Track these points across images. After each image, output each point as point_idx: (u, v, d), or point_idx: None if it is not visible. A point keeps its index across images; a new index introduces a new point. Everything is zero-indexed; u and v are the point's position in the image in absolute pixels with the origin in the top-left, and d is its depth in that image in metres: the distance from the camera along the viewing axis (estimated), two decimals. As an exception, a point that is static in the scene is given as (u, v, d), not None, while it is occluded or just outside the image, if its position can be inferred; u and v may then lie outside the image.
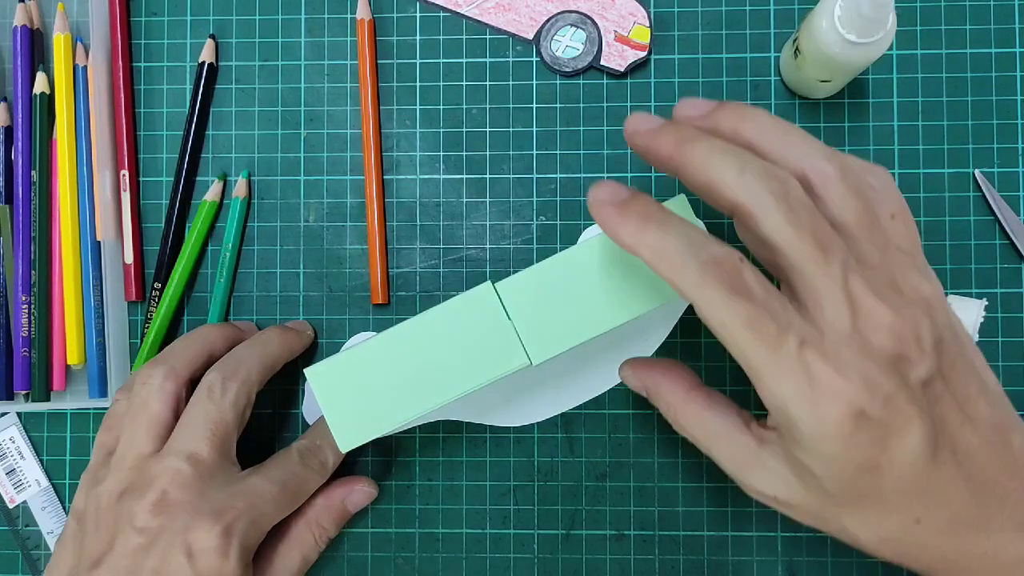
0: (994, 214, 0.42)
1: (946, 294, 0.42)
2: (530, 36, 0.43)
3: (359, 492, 0.41)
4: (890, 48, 0.43)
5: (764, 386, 0.29)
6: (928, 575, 0.31)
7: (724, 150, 0.29)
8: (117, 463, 0.36)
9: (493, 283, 0.35)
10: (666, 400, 0.35)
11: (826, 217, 0.29)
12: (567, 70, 0.43)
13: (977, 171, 0.43)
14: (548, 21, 0.43)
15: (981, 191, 0.42)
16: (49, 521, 0.44)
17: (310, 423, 0.43)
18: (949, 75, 0.43)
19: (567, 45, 0.43)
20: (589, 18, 0.43)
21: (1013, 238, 0.42)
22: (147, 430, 0.36)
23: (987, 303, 0.41)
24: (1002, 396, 0.31)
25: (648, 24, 0.43)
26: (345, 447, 0.36)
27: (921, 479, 0.29)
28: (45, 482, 0.44)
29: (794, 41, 0.40)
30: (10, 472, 0.44)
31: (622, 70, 0.43)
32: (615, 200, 0.30)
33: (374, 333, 0.39)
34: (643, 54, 0.43)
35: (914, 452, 0.28)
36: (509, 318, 0.35)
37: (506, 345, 0.35)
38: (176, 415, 0.37)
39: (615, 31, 0.43)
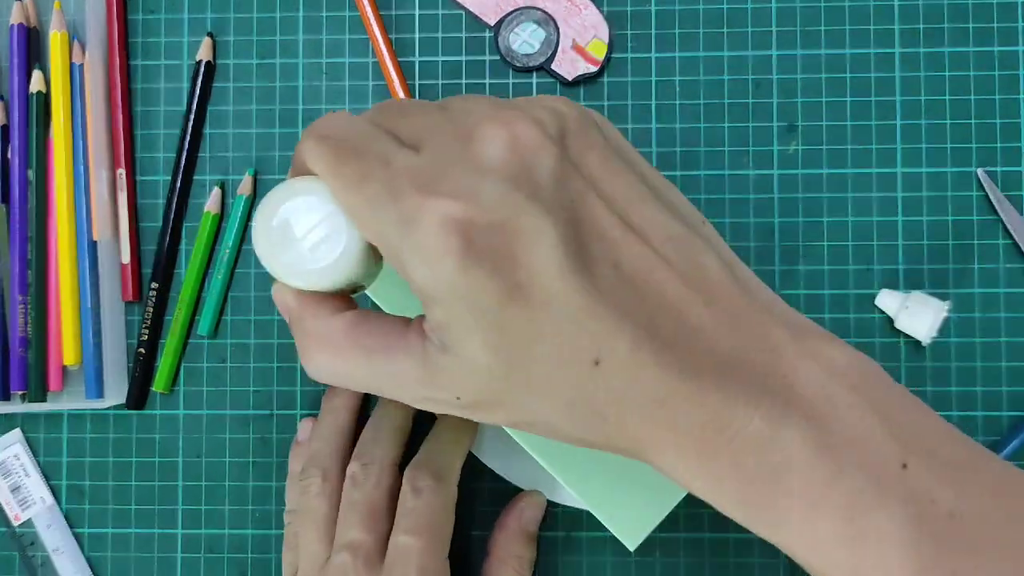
0: (997, 214, 0.42)
1: (928, 293, 0.42)
2: (492, 22, 0.43)
3: (530, 507, 0.40)
4: (893, 46, 0.43)
5: (389, 254, 0.24)
6: (642, 453, 0.26)
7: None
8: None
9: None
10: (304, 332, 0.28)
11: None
12: (518, 65, 0.43)
13: (980, 170, 0.42)
14: (512, 13, 0.43)
15: (984, 191, 0.42)
16: (54, 539, 0.44)
17: None
18: (952, 74, 0.43)
19: (524, 41, 0.43)
20: (553, 20, 0.42)
21: (1016, 238, 0.42)
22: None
23: (950, 304, 0.40)
24: (685, 226, 0.25)
25: (607, 41, 0.43)
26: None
27: (580, 297, 0.23)
28: (50, 500, 0.44)
29: None
30: (15, 489, 0.44)
31: (570, 79, 0.43)
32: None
33: None
34: (594, 68, 0.43)
35: (552, 258, 0.22)
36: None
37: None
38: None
39: (574, 39, 0.43)
